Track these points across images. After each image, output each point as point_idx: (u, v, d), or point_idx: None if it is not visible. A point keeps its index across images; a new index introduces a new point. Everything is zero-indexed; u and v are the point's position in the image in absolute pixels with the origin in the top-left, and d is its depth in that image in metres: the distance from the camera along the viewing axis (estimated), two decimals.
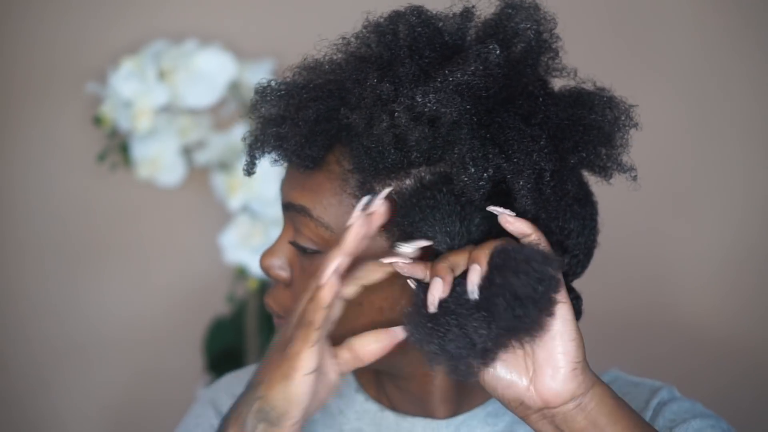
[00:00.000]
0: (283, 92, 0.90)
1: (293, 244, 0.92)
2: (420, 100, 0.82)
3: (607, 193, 0.95)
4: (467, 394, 0.97)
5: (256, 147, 0.91)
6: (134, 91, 1.64)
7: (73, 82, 1.74)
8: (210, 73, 1.67)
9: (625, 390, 0.99)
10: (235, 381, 1.06)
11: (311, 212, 0.88)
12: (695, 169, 1.77)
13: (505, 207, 0.85)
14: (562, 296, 0.81)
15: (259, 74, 1.69)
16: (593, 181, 0.93)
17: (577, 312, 0.91)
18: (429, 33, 0.87)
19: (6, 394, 1.79)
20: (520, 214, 0.84)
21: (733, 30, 1.73)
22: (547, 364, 0.82)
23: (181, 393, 1.74)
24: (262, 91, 0.91)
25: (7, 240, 1.78)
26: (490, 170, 0.83)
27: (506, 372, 0.83)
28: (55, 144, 1.77)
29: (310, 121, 0.87)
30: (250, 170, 0.92)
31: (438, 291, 0.81)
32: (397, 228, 0.86)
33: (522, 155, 0.83)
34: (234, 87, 1.70)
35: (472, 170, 0.82)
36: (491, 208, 0.83)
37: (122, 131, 1.69)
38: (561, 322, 0.81)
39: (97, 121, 1.67)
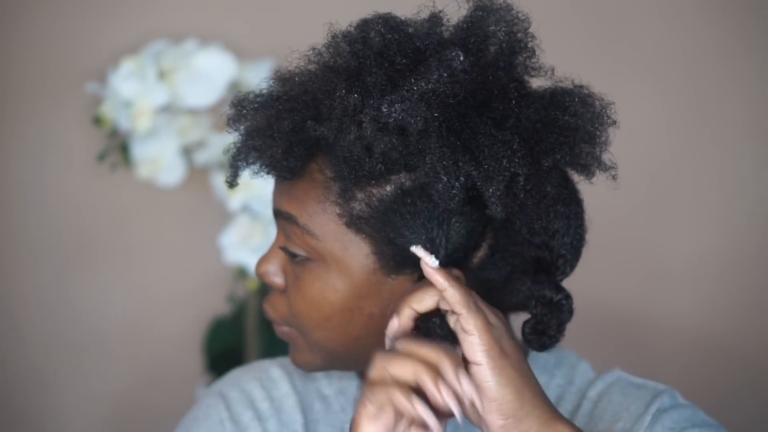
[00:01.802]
0: (258, 104, 0.90)
1: (284, 249, 0.93)
2: (385, 110, 0.83)
3: (604, 192, 0.95)
4: None
5: (238, 159, 0.91)
6: (134, 91, 1.64)
7: (73, 82, 1.74)
8: (210, 73, 1.67)
9: (627, 391, 0.98)
10: (244, 376, 1.06)
11: (297, 220, 0.89)
12: (690, 168, 1.77)
13: (482, 213, 0.86)
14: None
15: (259, 74, 1.69)
16: (585, 181, 0.93)
17: (568, 311, 0.91)
18: (399, 39, 0.87)
19: (4, 394, 1.79)
20: (492, 218, 0.86)
21: (717, 26, 1.74)
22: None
23: (181, 393, 1.74)
24: (239, 104, 0.92)
25: (7, 240, 1.78)
26: (461, 178, 0.83)
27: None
28: (55, 144, 1.77)
29: (286, 132, 0.87)
30: (232, 182, 0.92)
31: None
32: (379, 235, 0.87)
33: (492, 161, 0.83)
34: (234, 87, 1.70)
35: (445, 179, 0.83)
36: (414, 249, 0.86)
37: (122, 131, 1.68)
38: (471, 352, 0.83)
39: (97, 121, 1.67)
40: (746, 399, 1.73)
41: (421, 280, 0.88)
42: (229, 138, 1.71)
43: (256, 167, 0.91)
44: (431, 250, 0.86)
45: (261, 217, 1.66)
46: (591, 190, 0.93)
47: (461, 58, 0.84)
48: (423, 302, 0.85)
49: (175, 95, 1.66)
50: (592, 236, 0.95)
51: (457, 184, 0.83)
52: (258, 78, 1.69)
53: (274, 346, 1.67)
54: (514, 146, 0.84)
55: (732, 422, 1.04)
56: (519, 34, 0.88)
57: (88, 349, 1.80)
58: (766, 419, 1.73)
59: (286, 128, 0.87)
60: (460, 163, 0.83)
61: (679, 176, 1.77)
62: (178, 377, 1.79)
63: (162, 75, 1.66)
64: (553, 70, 0.90)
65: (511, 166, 0.83)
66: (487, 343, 0.82)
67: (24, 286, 1.79)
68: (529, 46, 0.89)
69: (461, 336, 0.83)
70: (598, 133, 0.87)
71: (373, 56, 0.86)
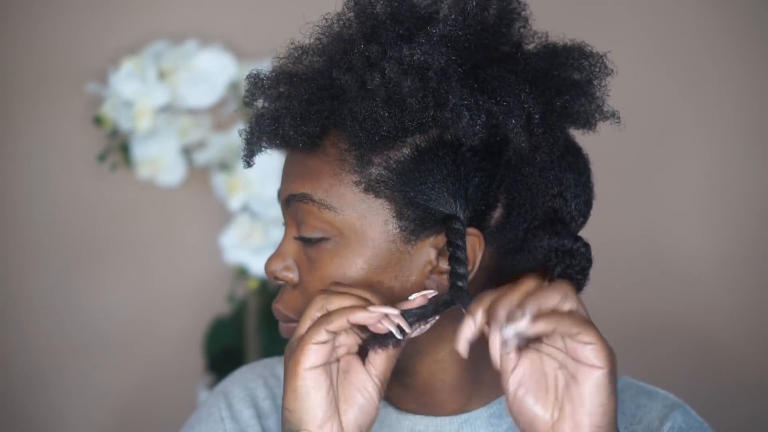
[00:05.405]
0: (273, 78, 0.92)
1: (298, 238, 0.92)
2: (407, 52, 0.85)
3: (608, 195, 0.96)
4: (473, 392, 0.97)
5: (252, 135, 0.92)
6: (134, 91, 1.64)
7: (74, 82, 1.74)
8: (210, 73, 1.67)
9: (640, 402, 0.99)
10: (249, 374, 1.07)
11: (313, 197, 0.89)
12: (697, 170, 1.77)
13: (500, 152, 0.88)
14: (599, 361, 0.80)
15: None
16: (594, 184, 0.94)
17: (588, 259, 0.92)
18: (407, 5, 0.90)
19: (7, 394, 1.79)
20: (517, 154, 0.88)
21: (723, 10, 1.74)
22: (570, 418, 0.81)
23: (182, 393, 1.75)
24: (254, 80, 0.93)
25: (8, 240, 1.78)
26: (483, 116, 0.85)
27: (534, 403, 0.83)
28: (56, 144, 1.77)
29: (303, 100, 0.89)
30: (248, 160, 0.93)
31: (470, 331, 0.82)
32: (399, 195, 0.88)
33: (510, 97, 0.86)
34: (234, 87, 1.70)
35: (467, 116, 0.85)
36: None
37: (123, 131, 1.69)
38: (594, 386, 0.80)
39: (98, 121, 1.67)
40: (753, 402, 1.73)
41: (451, 242, 0.88)
42: (229, 137, 1.72)
43: (271, 140, 0.91)
44: (453, 205, 0.88)
45: (261, 217, 1.66)
46: (605, 194, 0.94)
47: (474, 2, 0.88)
48: (549, 301, 0.80)
49: (175, 95, 1.66)
50: (604, 241, 0.96)
51: (479, 120, 0.85)
52: None
53: (274, 346, 1.67)
54: (527, 89, 0.87)
55: (738, 424, 1.04)
56: (513, 4, 0.91)
57: (89, 348, 1.80)
58: None
59: (302, 95, 0.88)
60: (480, 102, 0.86)
61: (696, 180, 1.76)
62: (178, 377, 1.80)
63: (162, 75, 1.66)
64: (547, 34, 0.93)
65: (527, 100, 0.86)
66: (608, 349, 0.81)
67: (25, 286, 1.79)
68: (522, 15, 0.92)
69: (576, 345, 0.80)
70: (597, 82, 0.91)
71: (386, 18, 0.89)
